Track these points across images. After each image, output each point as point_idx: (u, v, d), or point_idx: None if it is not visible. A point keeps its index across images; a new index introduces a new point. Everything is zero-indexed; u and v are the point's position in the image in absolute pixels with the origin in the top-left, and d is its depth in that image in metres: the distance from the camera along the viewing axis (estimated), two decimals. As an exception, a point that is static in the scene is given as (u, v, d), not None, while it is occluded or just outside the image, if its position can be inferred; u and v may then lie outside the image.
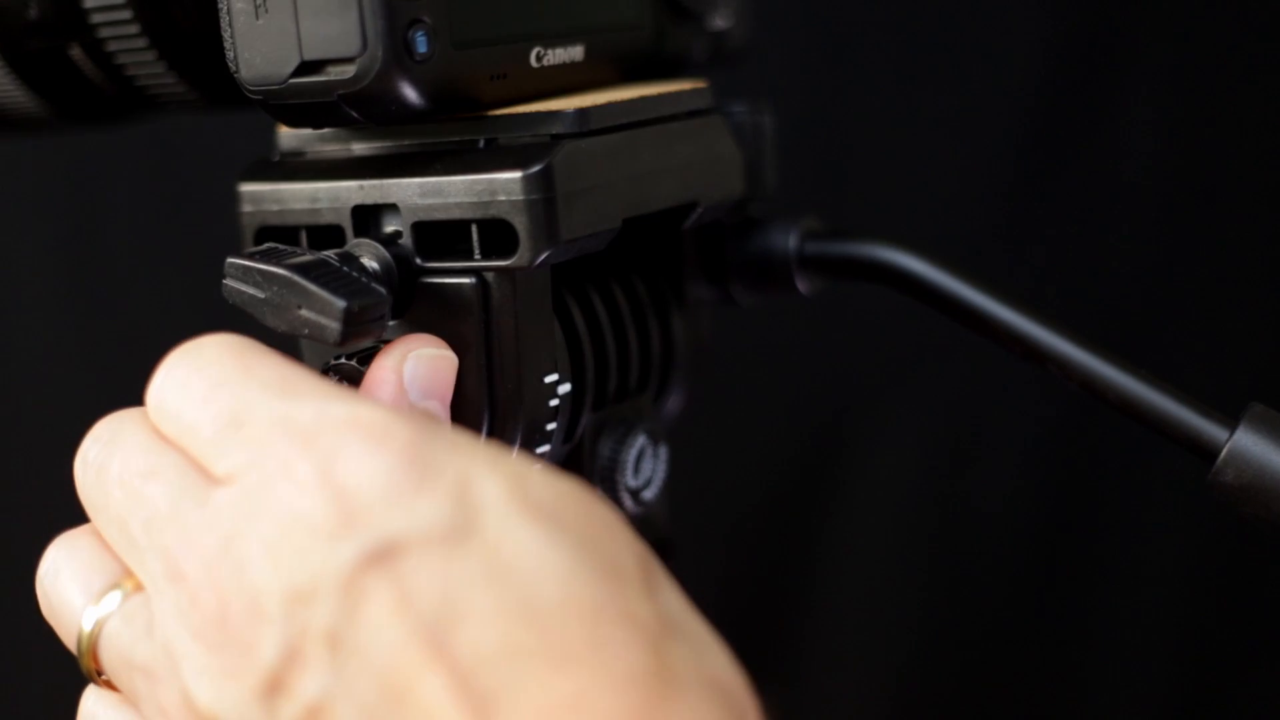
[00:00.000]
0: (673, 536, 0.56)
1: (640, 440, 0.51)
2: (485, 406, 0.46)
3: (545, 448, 0.48)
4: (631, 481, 0.51)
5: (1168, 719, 0.97)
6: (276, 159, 0.49)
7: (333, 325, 0.41)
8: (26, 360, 0.99)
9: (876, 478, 0.97)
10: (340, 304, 0.41)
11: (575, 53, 0.48)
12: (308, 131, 0.48)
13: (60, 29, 0.51)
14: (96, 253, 0.98)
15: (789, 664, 0.99)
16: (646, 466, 0.52)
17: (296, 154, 0.49)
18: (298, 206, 0.47)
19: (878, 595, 0.98)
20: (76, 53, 0.52)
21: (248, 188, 0.48)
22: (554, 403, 0.47)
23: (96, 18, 0.51)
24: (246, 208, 0.48)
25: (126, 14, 0.50)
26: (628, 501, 0.52)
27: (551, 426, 0.48)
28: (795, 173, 0.95)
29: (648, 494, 0.53)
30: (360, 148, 0.47)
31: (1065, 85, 0.93)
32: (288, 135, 0.49)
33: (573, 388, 0.49)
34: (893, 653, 0.99)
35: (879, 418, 0.97)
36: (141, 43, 0.50)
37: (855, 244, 0.52)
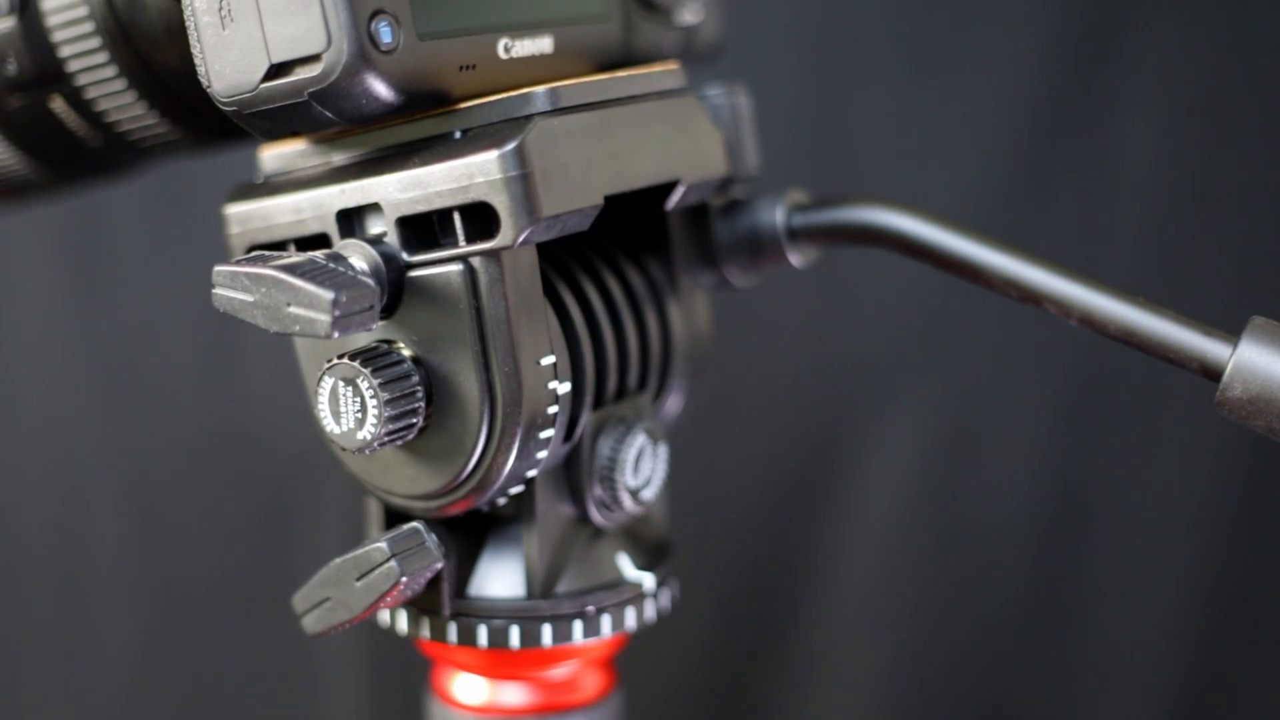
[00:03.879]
0: (673, 536, 0.56)
1: (640, 440, 0.51)
2: (484, 397, 0.46)
3: (549, 432, 0.48)
4: (631, 481, 0.51)
5: (1168, 715, 0.97)
6: (260, 181, 0.49)
7: (322, 318, 0.42)
8: (27, 364, 0.99)
9: (877, 477, 0.97)
10: (328, 295, 0.42)
11: (544, 44, 0.49)
12: (288, 150, 0.49)
13: (40, 81, 0.52)
14: (97, 260, 0.98)
15: (789, 663, 0.99)
16: (646, 466, 0.52)
17: (278, 174, 0.49)
18: (283, 220, 0.47)
19: (878, 594, 0.98)
20: (58, 104, 0.52)
21: (233, 209, 0.49)
22: (553, 385, 0.47)
23: (74, 65, 0.51)
24: (234, 229, 0.49)
25: (103, 57, 0.50)
26: (627, 501, 0.52)
27: (554, 410, 0.48)
28: (794, 172, 0.96)
29: (647, 494, 0.52)
30: (340, 158, 0.48)
31: (1065, 84, 0.93)
32: (269, 157, 0.49)
33: (572, 385, 0.49)
34: (894, 651, 0.99)
35: (879, 417, 0.97)
36: (120, 84, 0.51)
37: (842, 209, 0.52)
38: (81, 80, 0.51)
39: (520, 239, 0.44)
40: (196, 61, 0.45)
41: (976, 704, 0.99)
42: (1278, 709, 0.96)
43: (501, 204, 0.44)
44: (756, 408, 0.97)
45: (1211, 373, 0.45)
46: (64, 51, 0.51)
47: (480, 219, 0.45)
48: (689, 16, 0.55)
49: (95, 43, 0.50)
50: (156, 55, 0.50)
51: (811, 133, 0.95)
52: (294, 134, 0.47)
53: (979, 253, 0.49)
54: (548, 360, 0.47)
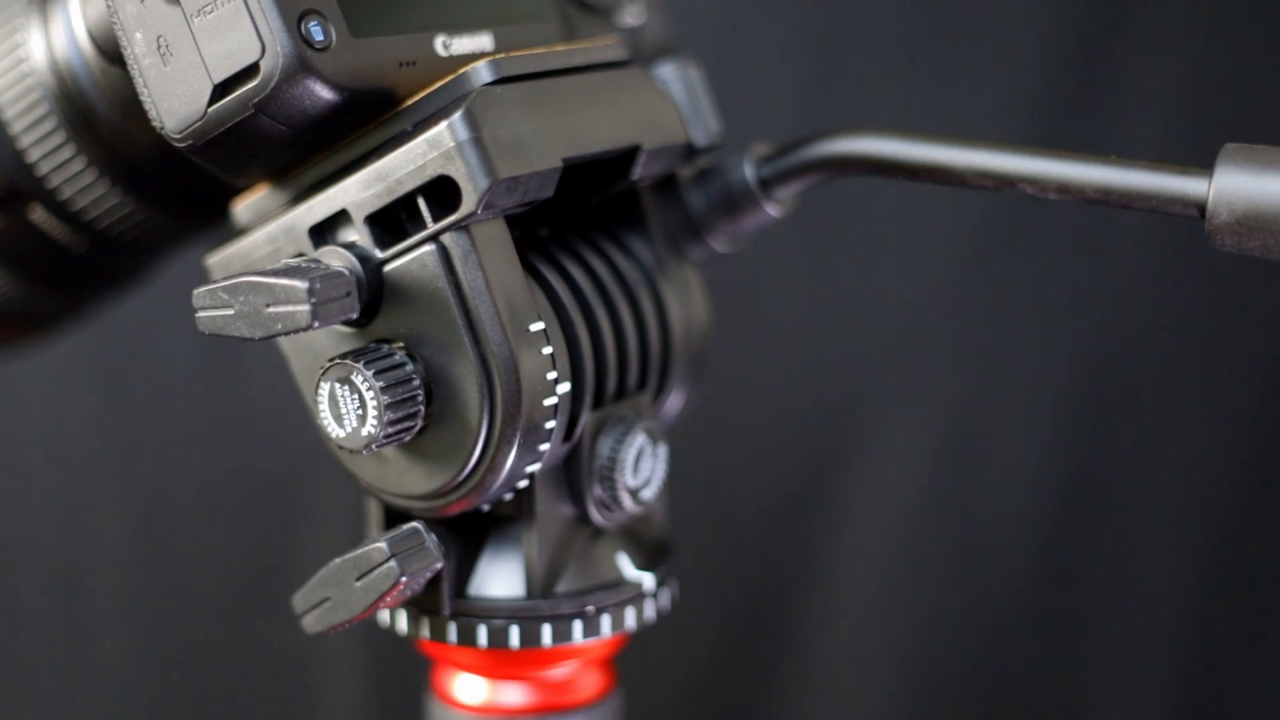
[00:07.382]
0: (673, 536, 0.56)
1: (639, 439, 0.51)
2: (480, 374, 0.46)
3: (552, 399, 0.48)
4: (631, 481, 0.51)
5: (1171, 717, 0.97)
6: (236, 232, 0.50)
7: (301, 309, 0.43)
8: (27, 365, 0.99)
9: (879, 477, 0.97)
10: (302, 285, 0.43)
11: (483, 42, 0.50)
12: (256, 197, 0.49)
13: (15, 193, 0.52)
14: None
15: (790, 662, 0.99)
16: (646, 466, 0.52)
17: (251, 221, 0.50)
18: (261, 253, 0.48)
19: (880, 594, 0.98)
20: (38, 214, 0.52)
21: (214, 258, 0.50)
22: (547, 350, 0.47)
23: (44, 166, 0.51)
24: (218, 276, 0.49)
25: (71, 150, 0.51)
26: (627, 501, 0.51)
27: (552, 375, 0.48)
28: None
29: (647, 493, 0.52)
30: (304, 185, 0.48)
31: (1067, 83, 0.93)
32: (241, 210, 0.50)
33: (572, 383, 0.49)
34: (895, 650, 0.99)
35: (880, 418, 0.97)
36: (91, 176, 0.51)
37: (806, 147, 0.52)
38: (54, 181, 0.52)
39: (482, 203, 0.45)
40: (147, 107, 0.46)
41: (979, 702, 0.99)
42: (1278, 707, 0.96)
43: (458, 171, 0.45)
44: (758, 407, 0.97)
45: (1196, 207, 0.45)
46: (33, 155, 0.51)
47: (443, 196, 0.46)
48: (629, 19, 0.56)
49: (61, 138, 0.51)
50: (121, 140, 0.51)
51: (810, 128, 0.95)
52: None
53: (945, 154, 0.49)
54: (537, 326, 0.47)
